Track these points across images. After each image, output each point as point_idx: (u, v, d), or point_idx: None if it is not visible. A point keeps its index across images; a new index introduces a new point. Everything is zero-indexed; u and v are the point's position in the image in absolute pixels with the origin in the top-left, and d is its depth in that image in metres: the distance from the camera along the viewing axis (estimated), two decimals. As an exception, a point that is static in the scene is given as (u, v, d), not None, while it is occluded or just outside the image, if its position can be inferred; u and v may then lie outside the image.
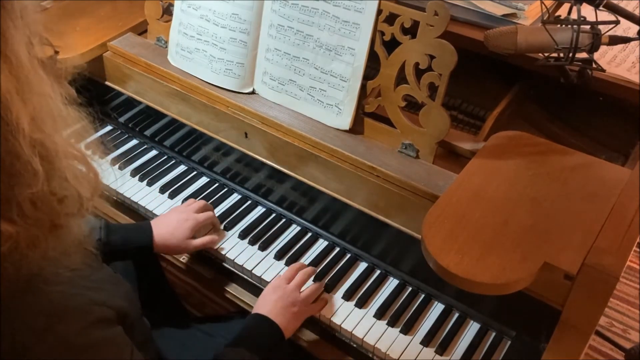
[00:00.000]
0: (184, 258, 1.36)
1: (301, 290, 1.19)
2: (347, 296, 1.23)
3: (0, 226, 0.63)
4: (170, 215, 1.30)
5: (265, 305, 1.14)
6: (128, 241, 1.21)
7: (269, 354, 1.07)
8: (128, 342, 0.81)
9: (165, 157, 1.56)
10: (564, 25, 1.05)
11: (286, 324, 1.11)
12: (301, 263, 1.28)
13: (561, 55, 1.05)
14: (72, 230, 0.71)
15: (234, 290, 1.30)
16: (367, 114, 1.23)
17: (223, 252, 1.31)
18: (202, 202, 1.36)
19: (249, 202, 1.43)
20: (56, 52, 0.72)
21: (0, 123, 0.60)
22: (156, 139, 1.57)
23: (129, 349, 0.81)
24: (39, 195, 0.65)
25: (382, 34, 1.16)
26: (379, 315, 1.19)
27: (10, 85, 0.61)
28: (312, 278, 1.24)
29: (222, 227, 1.36)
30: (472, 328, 1.18)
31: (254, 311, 1.14)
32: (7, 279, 0.66)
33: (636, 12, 1.12)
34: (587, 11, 1.02)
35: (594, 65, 1.07)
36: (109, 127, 1.61)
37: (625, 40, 1.08)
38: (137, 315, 0.91)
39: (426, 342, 1.15)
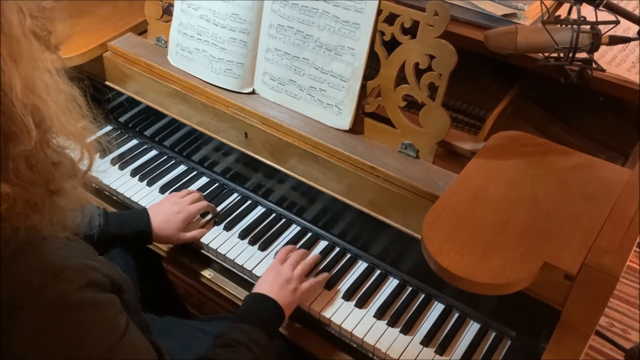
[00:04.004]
0: (186, 259, 1.36)
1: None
2: (347, 296, 1.23)
3: None
4: (164, 206, 1.32)
5: (262, 285, 1.17)
6: (126, 226, 1.25)
7: (271, 330, 1.09)
8: (123, 311, 0.81)
9: (165, 157, 1.56)
10: (564, 25, 1.05)
11: (284, 301, 1.14)
12: (292, 245, 1.30)
13: (561, 55, 1.05)
14: (68, 197, 0.73)
15: (234, 290, 1.30)
16: (367, 114, 1.23)
17: (223, 252, 1.31)
18: (197, 193, 1.39)
19: (249, 202, 1.43)
20: (49, 32, 0.74)
21: None
22: (156, 139, 1.57)
23: (125, 317, 0.81)
24: (34, 155, 0.68)
25: (382, 34, 1.16)
26: (379, 315, 1.19)
27: (3, 49, 0.63)
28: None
29: (222, 226, 1.36)
30: (472, 328, 1.18)
31: (252, 292, 1.17)
32: (5, 239, 0.68)
33: (636, 12, 1.12)
34: (587, 11, 1.02)
35: (594, 65, 1.07)
36: (109, 127, 1.61)
37: (625, 40, 1.08)
38: (134, 300, 0.91)
39: (426, 342, 1.15)
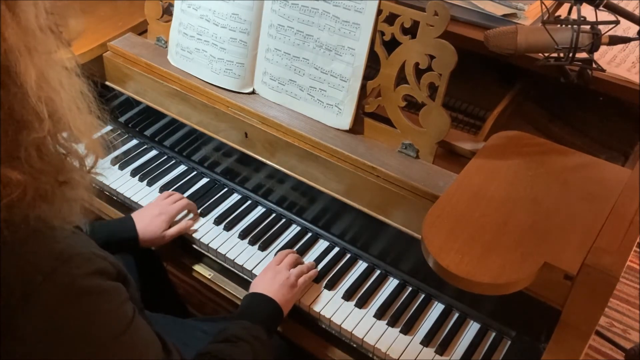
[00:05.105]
0: (186, 259, 1.36)
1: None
2: (347, 296, 1.23)
3: (10, 174, 0.66)
4: (145, 211, 1.34)
5: (259, 284, 1.18)
6: (113, 234, 1.26)
7: (270, 327, 1.10)
8: (130, 300, 0.82)
9: (165, 157, 1.56)
10: (564, 25, 1.05)
11: (282, 299, 1.15)
12: (288, 249, 1.30)
13: (561, 55, 1.05)
14: (76, 189, 0.75)
15: (234, 290, 1.30)
16: (367, 114, 1.23)
17: (223, 252, 1.31)
18: (177, 194, 1.39)
19: (249, 202, 1.43)
20: (62, 28, 0.76)
21: (10, 74, 0.64)
22: (156, 139, 1.57)
23: (131, 306, 0.81)
24: (45, 145, 0.69)
25: (382, 34, 1.16)
26: (379, 315, 1.19)
27: (19, 40, 0.65)
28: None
29: (222, 226, 1.36)
30: (472, 328, 1.18)
31: (249, 292, 1.18)
32: (15, 227, 0.69)
33: (636, 12, 1.12)
34: (587, 11, 1.02)
35: (594, 65, 1.07)
36: (109, 127, 1.61)
37: (625, 40, 1.08)
38: (137, 297, 0.92)
39: (426, 342, 1.15)
